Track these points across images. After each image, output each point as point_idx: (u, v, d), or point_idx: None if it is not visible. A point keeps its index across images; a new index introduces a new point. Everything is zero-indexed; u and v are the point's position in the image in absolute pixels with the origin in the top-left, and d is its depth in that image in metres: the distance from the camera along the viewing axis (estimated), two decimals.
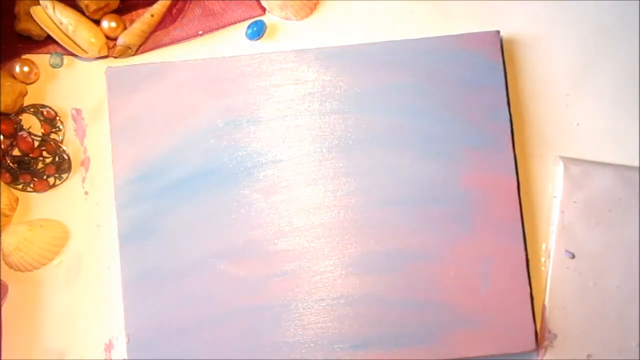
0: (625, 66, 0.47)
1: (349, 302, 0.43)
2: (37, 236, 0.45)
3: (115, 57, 0.48)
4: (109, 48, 0.47)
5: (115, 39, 0.47)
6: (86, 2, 0.46)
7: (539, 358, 0.44)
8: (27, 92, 0.47)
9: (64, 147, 0.47)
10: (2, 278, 0.45)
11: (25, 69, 0.47)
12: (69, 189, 0.47)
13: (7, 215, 0.46)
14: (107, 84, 0.45)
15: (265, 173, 0.45)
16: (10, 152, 0.47)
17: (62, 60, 0.48)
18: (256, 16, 0.48)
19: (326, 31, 0.48)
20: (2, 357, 0.44)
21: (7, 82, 0.46)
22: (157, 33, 0.48)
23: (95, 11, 0.46)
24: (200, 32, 0.48)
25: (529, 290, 0.43)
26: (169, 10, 0.48)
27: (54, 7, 0.46)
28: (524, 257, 0.43)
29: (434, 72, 0.45)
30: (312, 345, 0.43)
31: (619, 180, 0.44)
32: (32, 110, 0.47)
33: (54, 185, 0.47)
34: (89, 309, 0.45)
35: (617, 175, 0.44)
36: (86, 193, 0.47)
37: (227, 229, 0.44)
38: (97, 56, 0.47)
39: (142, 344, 0.43)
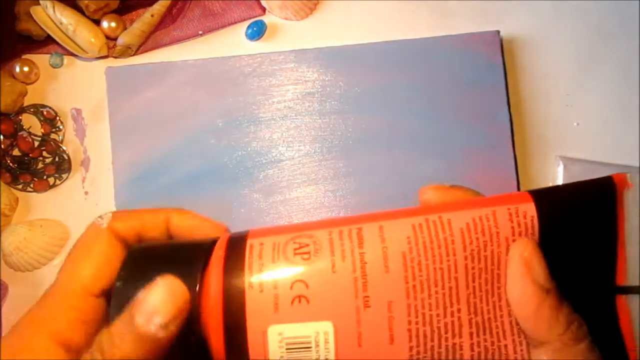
0: (625, 66, 0.47)
1: None
2: (37, 236, 0.45)
3: (115, 57, 0.48)
4: (109, 48, 0.47)
5: (115, 39, 0.47)
6: (86, 2, 0.46)
7: None
8: (27, 92, 0.47)
9: (64, 147, 0.47)
10: (2, 278, 0.45)
11: (25, 69, 0.47)
12: (69, 189, 0.47)
13: (7, 215, 0.46)
14: (107, 84, 0.45)
15: (265, 173, 0.45)
16: (10, 152, 0.47)
17: (62, 60, 0.48)
18: (256, 16, 0.48)
19: (326, 31, 0.48)
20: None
21: (7, 82, 0.46)
22: (157, 33, 0.48)
23: (95, 11, 0.46)
24: (200, 32, 0.48)
25: None
26: (169, 10, 0.48)
27: (54, 7, 0.46)
28: None
29: (434, 72, 0.45)
30: None
31: None
32: (32, 110, 0.47)
33: (54, 185, 0.47)
34: None
35: None
36: (86, 193, 0.47)
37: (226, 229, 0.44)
38: (97, 56, 0.47)
39: None
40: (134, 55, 0.48)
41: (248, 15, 0.48)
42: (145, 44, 0.48)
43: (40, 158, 0.47)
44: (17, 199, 0.46)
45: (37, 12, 0.46)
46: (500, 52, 0.45)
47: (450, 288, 0.21)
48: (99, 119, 0.47)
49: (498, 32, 0.45)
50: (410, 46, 0.45)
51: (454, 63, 0.45)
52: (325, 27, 0.48)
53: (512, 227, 0.21)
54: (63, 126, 0.47)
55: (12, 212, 0.46)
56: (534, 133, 0.46)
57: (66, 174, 0.47)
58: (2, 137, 0.46)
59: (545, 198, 0.22)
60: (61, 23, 0.46)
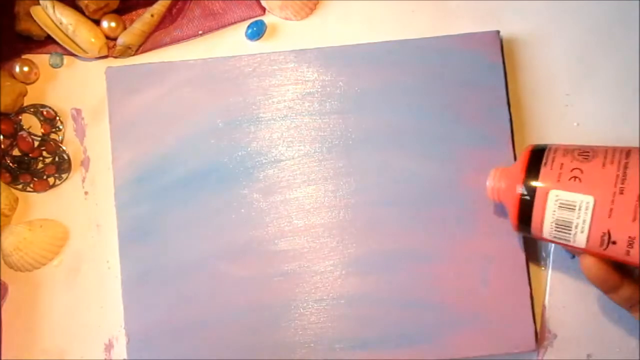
0: (625, 66, 0.47)
1: (349, 302, 0.43)
2: (37, 236, 0.45)
3: (115, 57, 0.48)
4: (109, 48, 0.47)
5: (115, 39, 0.47)
6: (86, 2, 0.46)
7: (539, 358, 0.44)
8: (27, 92, 0.47)
9: (63, 147, 0.47)
10: (2, 278, 0.45)
11: (25, 69, 0.47)
12: (68, 189, 0.47)
13: (7, 215, 0.46)
14: (107, 84, 0.45)
15: (265, 173, 0.45)
16: (10, 152, 0.47)
17: (62, 60, 0.48)
18: (256, 16, 0.48)
19: (326, 31, 0.48)
20: (2, 357, 0.44)
21: (7, 82, 0.46)
22: (157, 33, 0.48)
23: (95, 11, 0.46)
24: (200, 32, 0.48)
25: (529, 290, 0.43)
26: (169, 10, 0.48)
27: (54, 7, 0.46)
28: (524, 257, 0.43)
29: (434, 72, 0.45)
30: (312, 345, 0.43)
31: None
32: (32, 110, 0.47)
33: (53, 185, 0.47)
34: (89, 309, 0.45)
35: None
36: (86, 193, 0.47)
37: (227, 229, 0.44)
38: (97, 56, 0.47)
39: (142, 344, 0.43)
40: (134, 55, 0.48)
41: (248, 15, 0.48)
42: (145, 44, 0.48)
43: (40, 158, 0.47)
44: (17, 199, 0.46)
45: (37, 12, 0.46)
46: (500, 52, 0.45)
47: None
48: (99, 119, 0.47)
49: (498, 32, 0.45)
50: (410, 46, 0.45)
51: (454, 63, 0.45)
52: (325, 27, 0.48)
53: None
54: (63, 126, 0.47)
55: (12, 212, 0.46)
56: (534, 133, 0.46)
57: (66, 174, 0.47)
58: (2, 137, 0.46)
59: None
60: (61, 23, 0.46)
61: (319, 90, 0.45)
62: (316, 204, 0.44)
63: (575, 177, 0.34)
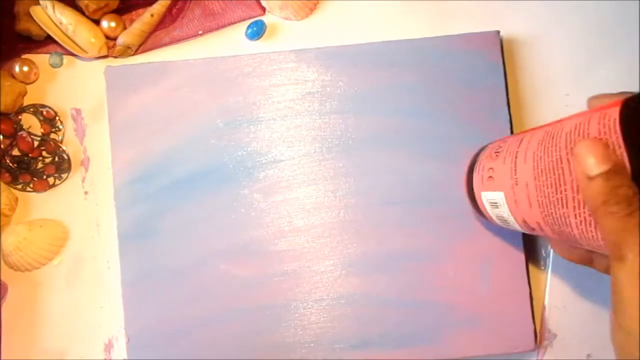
0: (625, 66, 0.47)
1: (349, 302, 0.43)
2: (37, 236, 0.45)
3: (115, 57, 0.48)
4: (108, 48, 0.47)
5: (115, 39, 0.47)
6: (86, 2, 0.46)
7: (539, 358, 0.44)
8: (26, 92, 0.47)
9: (63, 147, 0.47)
10: (2, 278, 0.45)
11: (25, 68, 0.47)
12: (68, 189, 0.47)
13: (7, 215, 0.46)
14: (107, 84, 0.45)
15: (265, 173, 0.45)
16: (10, 152, 0.47)
17: (62, 60, 0.48)
18: (256, 16, 0.48)
19: (326, 31, 0.48)
20: (2, 357, 0.44)
21: (7, 82, 0.46)
22: (157, 33, 0.48)
23: (95, 11, 0.46)
24: (200, 32, 0.48)
25: (528, 290, 0.43)
26: (169, 10, 0.48)
27: (53, 7, 0.46)
28: (524, 257, 0.43)
29: (434, 72, 0.45)
30: (312, 345, 0.43)
31: None
32: (31, 110, 0.47)
33: (53, 185, 0.47)
34: (89, 309, 0.45)
35: None
36: (86, 193, 0.47)
37: (227, 229, 0.44)
38: (97, 56, 0.47)
39: (142, 344, 0.43)
40: (133, 55, 0.48)
41: (248, 15, 0.48)
42: (145, 44, 0.48)
43: (40, 158, 0.47)
44: (17, 199, 0.46)
45: (37, 12, 0.46)
46: (500, 52, 0.45)
47: (559, 175, 0.28)
48: (98, 119, 0.47)
49: (498, 32, 0.45)
50: (410, 46, 0.45)
51: (454, 63, 0.45)
52: (325, 27, 0.48)
53: (599, 129, 0.26)
54: (63, 126, 0.47)
55: (12, 212, 0.46)
56: None
57: (66, 174, 0.47)
58: (2, 137, 0.46)
59: (630, 101, 0.26)
60: (61, 23, 0.46)
61: (319, 90, 0.45)
62: (316, 204, 0.44)
63: (490, 177, 0.36)
